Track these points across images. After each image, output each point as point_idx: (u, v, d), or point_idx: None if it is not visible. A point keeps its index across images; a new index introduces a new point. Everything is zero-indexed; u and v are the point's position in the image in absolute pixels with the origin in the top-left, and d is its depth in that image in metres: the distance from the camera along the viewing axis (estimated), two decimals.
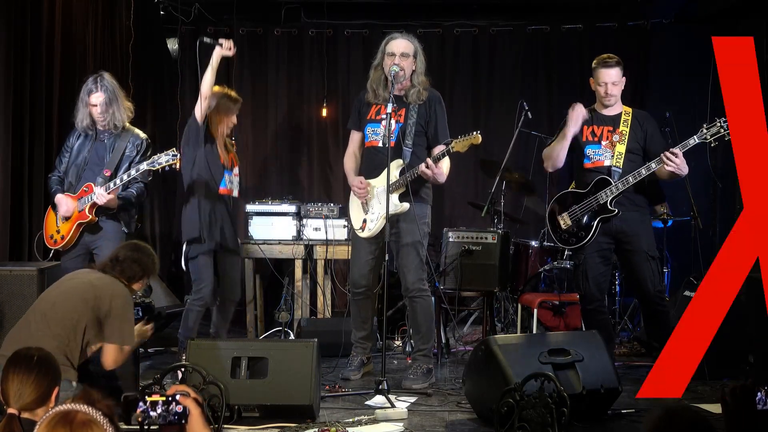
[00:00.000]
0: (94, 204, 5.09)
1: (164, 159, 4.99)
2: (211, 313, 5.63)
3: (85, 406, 2.07)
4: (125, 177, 5.09)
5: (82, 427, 2.02)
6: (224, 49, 5.26)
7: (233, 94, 5.58)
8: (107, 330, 3.91)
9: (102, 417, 2.07)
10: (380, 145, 5.15)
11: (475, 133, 4.95)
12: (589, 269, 5.11)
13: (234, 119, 5.52)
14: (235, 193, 5.61)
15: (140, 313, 4.34)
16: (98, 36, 6.67)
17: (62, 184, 5.24)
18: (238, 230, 5.80)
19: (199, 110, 5.29)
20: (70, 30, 6.26)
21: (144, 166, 5.04)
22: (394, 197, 5.05)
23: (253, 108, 8.01)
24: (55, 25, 6.05)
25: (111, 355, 3.98)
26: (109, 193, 5.05)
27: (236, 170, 5.61)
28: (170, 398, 2.58)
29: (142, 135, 5.33)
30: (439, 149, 5.12)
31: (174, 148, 5.06)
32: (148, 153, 5.28)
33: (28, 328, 3.82)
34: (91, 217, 5.12)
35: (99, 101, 5.14)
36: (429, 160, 4.97)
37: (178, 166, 5.11)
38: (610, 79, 5.06)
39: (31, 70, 5.79)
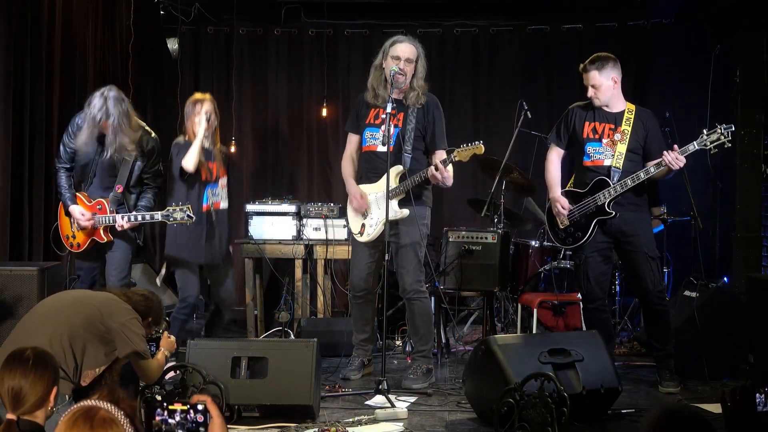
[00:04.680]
0: (107, 227, 5.11)
1: (179, 216, 5.02)
2: (202, 314, 5.66)
3: (108, 405, 2.07)
4: (140, 218, 5.09)
5: (103, 424, 2.01)
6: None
7: (195, 96, 5.53)
8: (118, 347, 3.80)
9: (123, 417, 2.07)
10: (379, 149, 5.14)
11: (478, 143, 4.96)
12: (590, 269, 5.11)
13: (204, 120, 5.35)
14: (224, 205, 5.58)
15: (153, 349, 4.18)
16: (98, 36, 6.67)
17: (71, 179, 5.17)
18: (227, 241, 5.76)
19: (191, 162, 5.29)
20: (70, 30, 6.27)
21: (158, 217, 5.06)
22: (394, 203, 5.05)
23: (253, 108, 8.02)
24: (55, 25, 6.05)
25: (139, 371, 3.97)
26: (129, 224, 5.07)
27: (223, 181, 5.56)
28: (191, 407, 2.57)
29: (152, 135, 5.26)
30: (438, 154, 5.12)
31: (189, 206, 5.04)
32: (159, 156, 5.29)
33: (22, 341, 3.54)
34: (107, 239, 5.14)
35: (109, 130, 5.02)
36: (439, 164, 4.95)
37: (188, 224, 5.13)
38: (588, 82, 5.07)
39: (31, 70, 5.79)
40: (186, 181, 5.35)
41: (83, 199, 5.16)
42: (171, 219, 5.03)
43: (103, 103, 4.96)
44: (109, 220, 5.08)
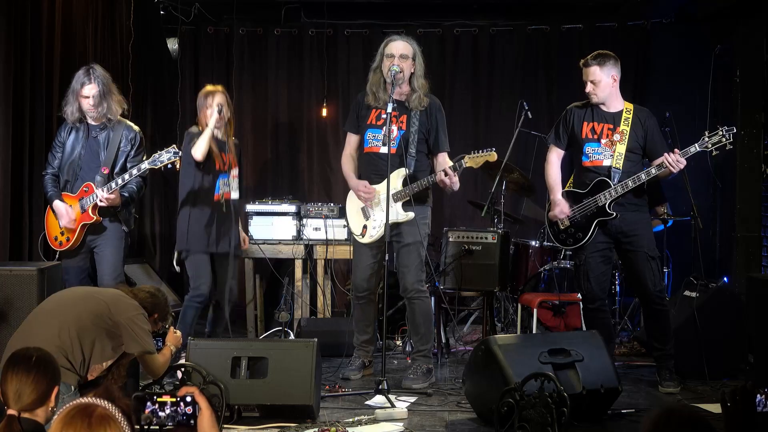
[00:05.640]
0: (96, 205, 5.09)
1: (165, 157, 5.00)
2: (207, 313, 5.65)
3: (105, 402, 2.07)
4: (126, 176, 5.08)
5: (100, 421, 2.01)
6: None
7: (207, 88, 5.55)
8: (124, 342, 3.83)
9: (120, 414, 2.07)
10: (382, 151, 5.12)
11: (490, 150, 4.97)
12: (591, 269, 5.11)
13: (216, 112, 5.35)
14: (234, 195, 5.58)
15: (159, 344, 4.18)
16: (98, 36, 6.66)
17: (57, 183, 5.23)
18: (237, 232, 5.79)
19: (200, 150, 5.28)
20: (70, 30, 6.26)
21: (146, 165, 5.04)
22: (398, 206, 5.05)
23: (253, 108, 8.02)
24: (55, 25, 6.05)
25: (145, 366, 3.99)
26: (111, 194, 5.05)
27: (234, 172, 5.58)
28: (180, 399, 2.58)
29: (135, 128, 5.32)
30: (441, 157, 5.13)
31: (175, 145, 5.06)
32: (142, 146, 5.31)
33: (31, 332, 3.72)
34: (95, 217, 5.13)
35: (92, 93, 5.11)
36: (449, 170, 4.97)
37: (178, 165, 5.12)
38: (588, 77, 5.07)
39: (31, 70, 5.78)
40: (200, 170, 5.36)
41: (69, 195, 5.17)
42: (159, 163, 5.00)
43: (87, 71, 5.13)
44: (92, 198, 5.08)
